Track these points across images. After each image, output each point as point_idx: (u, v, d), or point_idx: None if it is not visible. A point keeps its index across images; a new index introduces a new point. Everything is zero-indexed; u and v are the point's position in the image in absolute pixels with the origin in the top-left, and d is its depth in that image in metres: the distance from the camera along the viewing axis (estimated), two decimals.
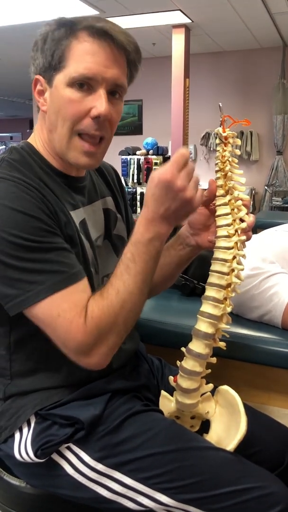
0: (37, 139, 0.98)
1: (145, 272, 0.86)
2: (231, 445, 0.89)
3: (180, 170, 0.83)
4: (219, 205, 0.92)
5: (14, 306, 0.84)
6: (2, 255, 0.82)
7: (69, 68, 0.88)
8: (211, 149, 7.32)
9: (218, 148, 0.93)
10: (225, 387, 0.96)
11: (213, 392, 0.98)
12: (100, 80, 0.88)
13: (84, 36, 0.88)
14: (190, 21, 5.63)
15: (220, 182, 0.92)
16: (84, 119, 0.90)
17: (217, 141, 0.93)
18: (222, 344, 0.94)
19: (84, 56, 0.87)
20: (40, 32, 0.92)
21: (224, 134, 0.91)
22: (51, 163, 0.96)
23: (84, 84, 0.88)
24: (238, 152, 0.94)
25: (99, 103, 0.88)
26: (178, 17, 5.49)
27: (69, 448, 0.92)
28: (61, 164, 0.97)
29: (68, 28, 0.89)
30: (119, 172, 1.16)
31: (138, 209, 5.51)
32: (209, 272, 0.91)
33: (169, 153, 5.82)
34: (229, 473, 0.87)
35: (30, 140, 0.99)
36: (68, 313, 0.83)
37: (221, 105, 0.95)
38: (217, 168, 0.93)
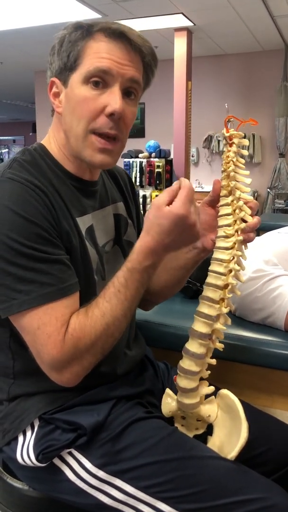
0: (52, 141, 0.97)
1: (133, 299, 0.87)
2: (232, 452, 0.87)
3: (191, 206, 0.83)
4: (222, 205, 0.93)
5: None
6: None
7: (84, 65, 0.88)
8: (214, 151, 7.33)
9: (224, 149, 0.94)
10: (225, 391, 0.95)
11: (216, 394, 0.98)
12: (115, 74, 0.88)
13: (101, 37, 0.88)
14: (192, 24, 5.65)
15: (223, 182, 0.93)
16: (99, 117, 0.89)
17: (224, 141, 0.94)
18: (219, 346, 0.93)
19: (100, 53, 0.88)
20: (57, 36, 0.92)
21: (227, 135, 0.92)
22: (64, 165, 0.96)
23: (99, 81, 0.88)
24: (245, 152, 0.94)
25: (113, 100, 0.88)
26: (180, 20, 5.50)
27: (70, 454, 0.91)
28: (75, 167, 0.97)
29: (85, 30, 0.89)
30: None
31: (141, 212, 5.49)
32: (208, 272, 0.91)
33: (172, 156, 5.83)
34: (231, 483, 0.85)
35: (44, 141, 0.99)
36: (48, 327, 0.83)
37: (227, 106, 0.97)
38: (222, 169, 0.93)
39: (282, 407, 1.28)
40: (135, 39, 0.89)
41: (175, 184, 0.85)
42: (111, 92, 0.89)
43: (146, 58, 0.92)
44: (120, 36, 0.88)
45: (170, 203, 0.83)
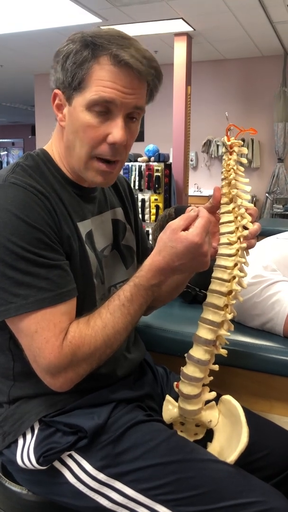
0: (54, 148, 0.99)
1: (136, 314, 0.89)
2: (232, 456, 0.88)
3: (207, 236, 0.86)
4: (223, 213, 0.94)
5: None
6: None
7: (89, 91, 0.88)
8: (212, 156, 7.35)
9: (224, 157, 0.95)
10: (227, 397, 0.96)
11: (217, 400, 0.98)
12: (119, 104, 0.88)
13: (106, 62, 0.87)
14: (192, 29, 5.67)
15: (224, 190, 0.94)
16: (101, 144, 0.91)
17: (223, 149, 0.95)
18: (223, 351, 0.94)
19: (104, 82, 0.87)
20: (63, 46, 0.90)
21: (228, 143, 0.93)
22: (65, 172, 0.98)
23: (103, 108, 0.89)
24: (244, 160, 0.95)
25: (115, 130, 0.89)
26: (180, 25, 5.52)
27: (70, 456, 0.92)
28: (74, 175, 0.98)
29: (90, 51, 0.87)
30: None
31: (139, 216, 5.49)
32: (211, 279, 0.92)
33: (171, 160, 5.83)
34: (230, 487, 0.86)
35: (47, 147, 1.00)
36: (46, 331, 0.84)
37: (227, 114, 0.98)
38: (222, 176, 0.94)
39: (281, 412, 1.28)
40: (140, 68, 0.88)
41: (192, 212, 0.87)
42: (113, 121, 0.90)
43: (152, 82, 0.93)
44: (126, 65, 0.87)
45: (185, 228, 0.86)
